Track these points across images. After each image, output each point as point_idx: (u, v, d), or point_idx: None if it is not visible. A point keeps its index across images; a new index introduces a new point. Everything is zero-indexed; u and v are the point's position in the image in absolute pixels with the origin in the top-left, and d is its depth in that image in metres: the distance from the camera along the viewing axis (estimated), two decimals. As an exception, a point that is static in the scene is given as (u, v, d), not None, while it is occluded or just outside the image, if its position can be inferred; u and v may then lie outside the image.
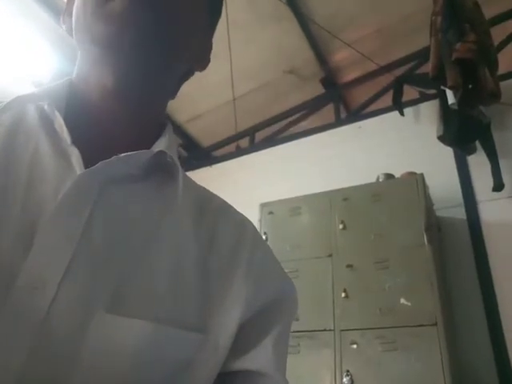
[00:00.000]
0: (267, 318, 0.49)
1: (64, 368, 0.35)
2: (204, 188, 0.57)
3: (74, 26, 0.49)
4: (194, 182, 0.56)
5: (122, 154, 0.42)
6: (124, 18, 0.43)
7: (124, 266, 0.40)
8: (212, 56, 0.57)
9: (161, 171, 0.47)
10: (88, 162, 0.41)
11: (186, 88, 0.58)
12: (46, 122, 0.45)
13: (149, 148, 0.47)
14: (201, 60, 0.56)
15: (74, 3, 0.49)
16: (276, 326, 0.49)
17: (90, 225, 0.40)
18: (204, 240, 0.48)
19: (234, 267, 0.49)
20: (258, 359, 0.47)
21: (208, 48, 0.57)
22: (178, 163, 0.48)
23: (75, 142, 0.43)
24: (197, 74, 0.57)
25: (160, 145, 0.48)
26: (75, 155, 0.42)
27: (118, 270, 0.40)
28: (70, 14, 0.50)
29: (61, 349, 0.35)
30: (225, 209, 0.55)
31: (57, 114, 0.44)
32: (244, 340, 0.47)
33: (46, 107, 0.45)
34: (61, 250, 0.37)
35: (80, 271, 0.38)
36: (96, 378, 0.36)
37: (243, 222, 0.55)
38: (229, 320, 0.46)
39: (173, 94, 0.56)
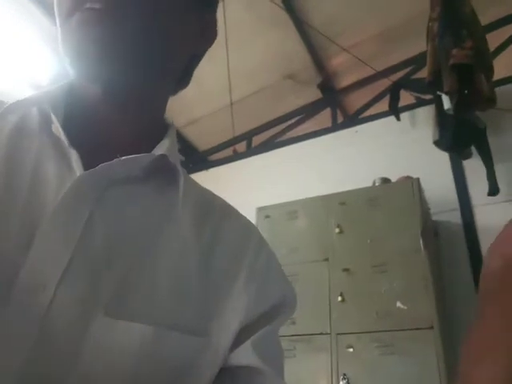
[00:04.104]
0: (263, 320, 0.50)
1: (64, 366, 0.36)
2: (205, 189, 0.57)
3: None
4: (195, 182, 0.56)
5: (123, 158, 0.42)
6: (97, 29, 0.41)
7: (124, 269, 0.40)
8: (209, 60, 0.56)
9: (161, 174, 0.47)
10: (88, 163, 0.41)
11: (184, 92, 0.58)
12: (46, 125, 0.45)
13: (150, 149, 0.46)
14: (206, 38, 0.53)
15: None
16: (269, 324, 0.50)
17: (90, 226, 0.40)
18: (206, 243, 0.48)
19: (237, 271, 0.49)
20: (247, 355, 0.47)
21: (211, 24, 0.53)
22: (179, 166, 0.48)
23: (74, 144, 0.43)
24: (194, 78, 0.57)
25: (162, 147, 0.47)
26: (74, 157, 0.42)
27: (117, 272, 0.40)
28: None
29: (61, 348, 0.36)
30: (228, 212, 0.55)
31: (53, 117, 0.44)
32: (237, 337, 0.47)
33: (47, 111, 0.45)
34: (59, 251, 0.38)
35: (79, 272, 0.38)
36: (95, 378, 0.37)
37: (248, 225, 0.56)
38: (229, 324, 0.46)
39: (171, 91, 0.54)
